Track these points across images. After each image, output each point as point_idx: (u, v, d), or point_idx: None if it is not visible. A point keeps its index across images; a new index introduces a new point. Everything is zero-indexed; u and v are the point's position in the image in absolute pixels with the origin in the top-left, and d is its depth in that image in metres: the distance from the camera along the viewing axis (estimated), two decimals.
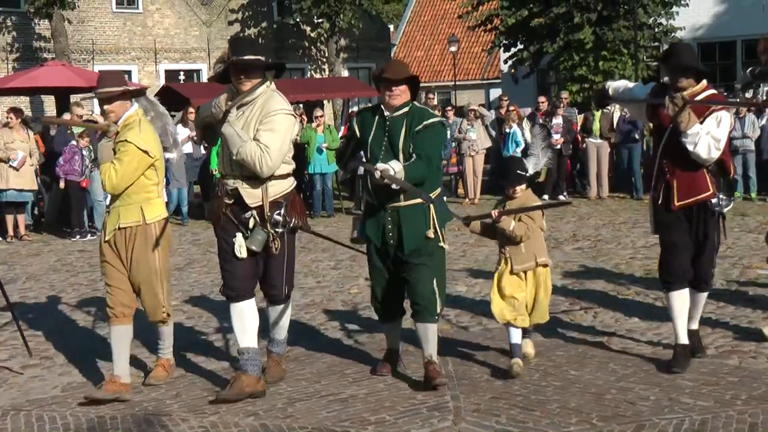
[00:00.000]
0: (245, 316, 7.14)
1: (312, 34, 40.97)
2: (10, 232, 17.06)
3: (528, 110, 22.44)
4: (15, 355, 8.69)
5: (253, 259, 7.09)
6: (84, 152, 16.86)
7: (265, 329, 7.52)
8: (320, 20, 38.96)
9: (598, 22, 27.12)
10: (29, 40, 35.29)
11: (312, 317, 9.79)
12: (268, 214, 6.96)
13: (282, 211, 7.02)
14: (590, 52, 27.34)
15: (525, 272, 7.41)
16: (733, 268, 11.49)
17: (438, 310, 7.14)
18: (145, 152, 7.21)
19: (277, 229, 7.01)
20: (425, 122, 7.06)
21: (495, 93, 37.63)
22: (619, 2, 26.96)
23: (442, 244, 7.14)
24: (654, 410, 6.36)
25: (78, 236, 16.93)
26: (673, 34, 28.39)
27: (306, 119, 20.68)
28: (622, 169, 20.70)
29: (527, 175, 7.59)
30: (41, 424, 6.73)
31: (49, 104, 30.54)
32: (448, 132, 17.87)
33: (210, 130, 7.25)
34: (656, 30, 28.44)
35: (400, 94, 7.12)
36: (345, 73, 40.01)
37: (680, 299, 7.43)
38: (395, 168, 6.82)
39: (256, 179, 6.93)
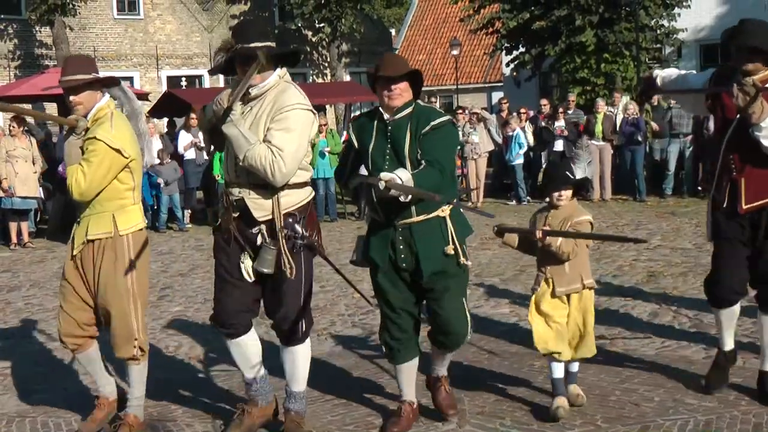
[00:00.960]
0: (246, 349, 6.25)
1: (313, 39, 41.00)
2: (14, 239, 17.09)
3: (531, 113, 22.45)
4: (21, 361, 8.69)
5: (257, 287, 6.11)
6: None
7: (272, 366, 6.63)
8: (322, 25, 38.99)
9: (599, 25, 27.14)
10: (31, 47, 35.36)
11: (316, 322, 9.72)
12: (282, 227, 5.89)
13: (301, 223, 5.96)
14: (592, 54, 27.37)
15: (568, 295, 6.43)
16: None
17: (469, 335, 6.27)
18: (118, 151, 6.11)
19: (297, 241, 5.93)
20: (432, 123, 6.00)
21: (497, 96, 37.61)
22: (621, 4, 26.98)
23: (463, 260, 6.10)
24: (658, 411, 6.36)
25: None
26: (674, 36, 28.40)
27: None
28: (625, 171, 20.69)
29: (575, 179, 6.48)
30: (46, 430, 6.73)
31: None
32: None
33: (217, 133, 5.99)
34: (658, 32, 28.46)
35: (401, 93, 6.04)
36: (347, 78, 40.04)
37: (730, 316, 6.80)
38: (402, 177, 5.70)
39: (266, 188, 5.85)
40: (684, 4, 28.32)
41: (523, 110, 21.82)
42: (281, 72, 6.00)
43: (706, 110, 6.97)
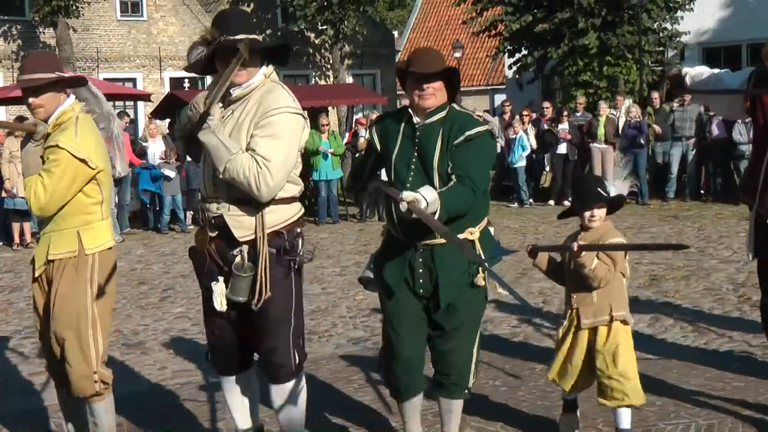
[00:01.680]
0: (239, 391, 5.56)
1: (316, 41, 41.00)
2: (16, 239, 17.13)
3: (533, 115, 22.46)
4: (20, 362, 8.70)
5: (245, 317, 5.24)
6: None
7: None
8: (324, 27, 38.98)
9: (602, 28, 27.11)
10: (34, 48, 35.28)
11: (317, 324, 9.78)
12: (266, 247, 5.10)
13: (287, 239, 5.18)
14: (595, 57, 27.34)
15: (595, 329, 5.72)
16: (738, 273, 11.50)
17: (471, 384, 5.58)
18: (83, 162, 5.36)
19: (297, 259, 5.22)
20: (468, 132, 5.22)
21: (499, 99, 37.63)
22: (624, 7, 26.95)
23: (497, 289, 5.39)
24: (660, 415, 6.37)
25: None
26: (678, 39, 28.39)
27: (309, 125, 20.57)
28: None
29: (609, 196, 5.76)
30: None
31: None
32: None
33: (194, 141, 5.20)
34: (661, 35, 28.43)
35: (434, 93, 5.29)
36: (349, 80, 40.06)
37: None
38: (427, 197, 4.89)
39: (248, 203, 5.08)
40: (687, 7, 28.30)
41: (525, 112, 21.82)
42: (267, 70, 5.25)
43: (742, 113, 6.48)
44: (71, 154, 5.34)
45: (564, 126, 20.65)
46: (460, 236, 5.17)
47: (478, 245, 5.30)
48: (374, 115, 19.85)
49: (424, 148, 5.29)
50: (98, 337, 5.49)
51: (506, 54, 31.33)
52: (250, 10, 40.08)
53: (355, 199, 20.40)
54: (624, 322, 5.74)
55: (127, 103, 33.04)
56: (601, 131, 20.25)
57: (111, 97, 27.30)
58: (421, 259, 5.33)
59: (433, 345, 5.49)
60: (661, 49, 29.22)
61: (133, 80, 36.45)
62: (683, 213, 18.29)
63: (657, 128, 20.20)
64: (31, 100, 5.52)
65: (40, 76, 5.44)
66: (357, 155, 19.24)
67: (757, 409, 6.41)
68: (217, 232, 5.18)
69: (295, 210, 5.27)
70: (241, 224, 5.10)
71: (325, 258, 14.18)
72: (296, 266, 5.21)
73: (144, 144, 19.41)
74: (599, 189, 5.72)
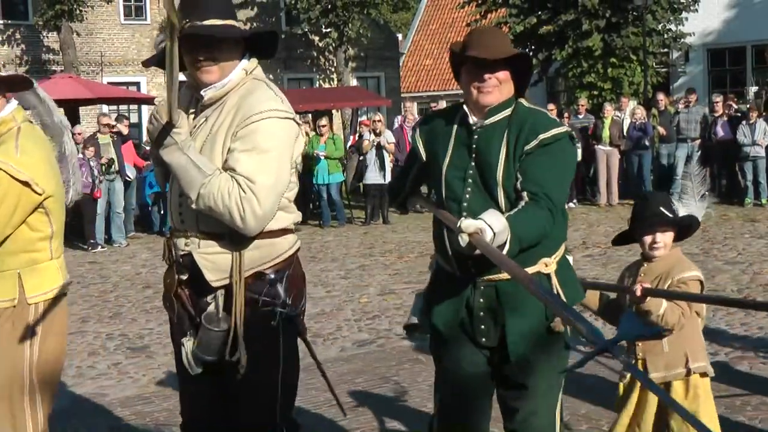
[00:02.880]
0: None
1: (320, 44, 40.99)
2: None
3: None
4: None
5: (223, 384, 4.10)
6: (92, 163, 16.87)
7: None
8: (328, 30, 38.97)
9: (606, 29, 27.11)
10: (38, 52, 35.41)
11: (322, 327, 9.78)
12: (242, 295, 3.93)
13: (271, 286, 3.98)
14: (599, 59, 27.34)
15: (668, 384, 4.68)
16: (743, 275, 11.48)
17: None
18: (26, 184, 4.10)
19: (277, 310, 3.99)
20: (542, 136, 4.00)
21: None
22: (628, 9, 26.95)
23: (563, 329, 4.10)
24: None
25: (90, 248, 16.94)
26: (682, 40, 28.39)
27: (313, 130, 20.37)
28: (632, 175, 20.67)
29: (676, 217, 4.72)
30: None
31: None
32: None
33: (161, 163, 4.07)
34: (665, 36, 28.42)
35: (499, 85, 4.09)
36: (353, 83, 40.07)
37: None
38: (495, 226, 3.68)
39: (223, 237, 3.92)
40: (691, 8, 28.30)
41: None
42: (248, 65, 4.04)
43: None
44: (10, 175, 4.08)
45: None
46: (534, 269, 3.99)
47: (555, 280, 4.08)
48: (377, 117, 19.83)
49: (484, 156, 4.07)
50: (37, 409, 4.29)
51: None
52: (253, 13, 40.17)
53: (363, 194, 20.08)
54: (704, 374, 4.71)
55: (131, 106, 33.08)
56: (605, 133, 20.24)
57: (115, 101, 27.46)
58: (481, 300, 4.11)
59: (505, 408, 4.28)
60: (665, 50, 29.24)
61: (137, 84, 36.46)
62: None
63: (662, 130, 20.21)
64: None
65: None
66: (361, 158, 19.21)
67: (761, 411, 6.40)
68: (187, 275, 4.03)
69: (287, 245, 4.06)
70: (214, 265, 3.93)
71: (329, 261, 14.18)
72: (283, 317, 4.00)
73: (148, 147, 19.40)
74: (662, 209, 4.69)
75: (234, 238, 3.89)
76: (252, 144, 3.82)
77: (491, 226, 3.66)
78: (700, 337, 4.76)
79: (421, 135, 4.34)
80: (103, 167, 17.07)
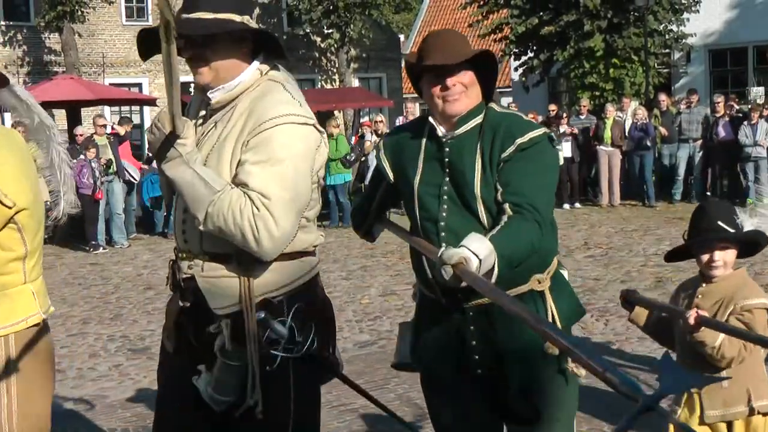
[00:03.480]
0: None
1: (322, 45, 41.03)
2: None
3: (539, 118, 22.45)
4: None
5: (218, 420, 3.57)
6: (93, 164, 16.86)
7: None
8: (330, 31, 39.02)
9: (608, 30, 27.08)
10: (40, 53, 35.46)
11: None
12: (254, 323, 3.38)
13: (291, 317, 3.44)
14: (601, 59, 27.32)
15: (729, 424, 4.15)
16: None
17: None
18: None
19: (279, 351, 3.41)
20: (519, 140, 3.63)
21: (506, 101, 37.58)
22: (630, 9, 26.94)
23: (572, 368, 3.68)
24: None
25: (91, 249, 16.94)
26: (684, 41, 28.37)
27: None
28: (634, 176, 20.66)
29: (737, 233, 4.14)
30: None
31: (60, 118, 30.69)
32: None
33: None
34: (667, 37, 28.39)
35: (465, 90, 3.70)
36: (355, 84, 40.09)
37: None
38: (479, 252, 3.31)
39: (229, 260, 3.45)
40: (693, 9, 28.27)
41: (531, 115, 21.81)
42: (263, 65, 3.55)
43: None
44: None
45: (564, 128, 20.58)
46: (526, 287, 3.69)
47: (549, 298, 3.73)
48: (379, 118, 19.80)
49: (458, 169, 3.69)
50: None
51: (512, 57, 31.30)
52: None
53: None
54: (766, 413, 4.12)
55: (133, 108, 33.10)
56: (607, 134, 20.23)
57: (117, 102, 27.46)
58: (472, 327, 3.73)
59: None
60: (667, 51, 29.21)
61: (139, 85, 36.49)
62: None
63: (663, 130, 20.20)
64: None
65: None
66: (363, 158, 19.19)
67: None
68: (190, 301, 3.54)
69: (307, 267, 3.57)
70: (220, 290, 3.44)
71: (330, 262, 14.16)
72: (285, 360, 3.44)
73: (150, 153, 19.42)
74: (721, 223, 4.13)
75: (242, 260, 3.40)
76: (266, 154, 3.33)
77: (476, 253, 3.28)
78: (764, 371, 4.19)
79: (386, 153, 3.92)
80: (102, 168, 17.07)
